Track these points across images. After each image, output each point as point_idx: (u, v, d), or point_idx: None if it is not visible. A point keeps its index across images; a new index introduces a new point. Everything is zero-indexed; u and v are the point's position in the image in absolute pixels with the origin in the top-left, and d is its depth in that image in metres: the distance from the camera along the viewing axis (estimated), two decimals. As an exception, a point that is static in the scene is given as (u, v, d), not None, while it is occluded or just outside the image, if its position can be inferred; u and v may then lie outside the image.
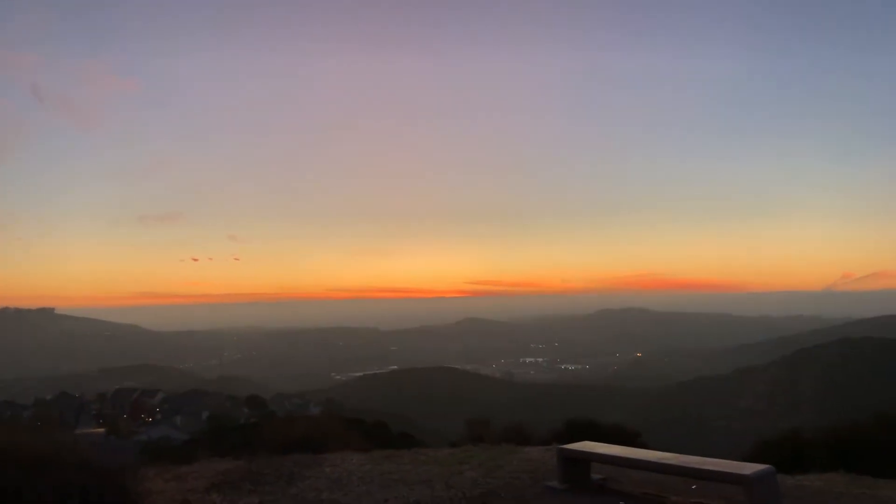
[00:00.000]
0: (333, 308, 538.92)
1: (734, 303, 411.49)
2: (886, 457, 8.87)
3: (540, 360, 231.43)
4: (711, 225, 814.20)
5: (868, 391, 75.60)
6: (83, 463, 5.36)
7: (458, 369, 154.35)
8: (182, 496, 6.87)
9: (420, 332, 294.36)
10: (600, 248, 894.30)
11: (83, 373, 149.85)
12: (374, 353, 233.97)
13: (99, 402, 79.28)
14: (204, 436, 26.23)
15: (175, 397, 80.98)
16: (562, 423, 14.06)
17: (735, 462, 6.34)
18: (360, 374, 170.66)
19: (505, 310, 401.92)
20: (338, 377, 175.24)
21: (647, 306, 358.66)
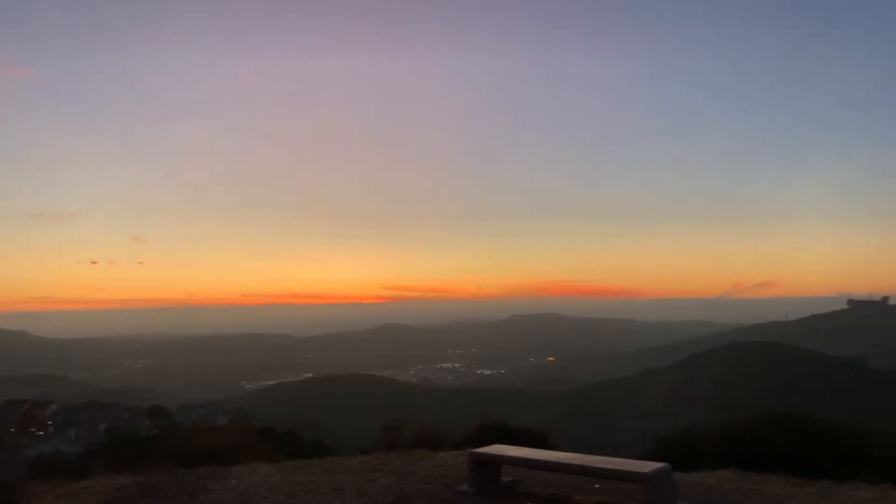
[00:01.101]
0: (244, 314, 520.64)
1: (639, 309, 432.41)
2: (772, 453, 9.60)
3: (457, 365, 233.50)
4: (620, 234, 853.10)
5: (756, 391, 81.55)
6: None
7: (375, 376, 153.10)
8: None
9: (335, 338, 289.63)
10: (515, 255, 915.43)
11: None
12: (288, 361, 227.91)
13: (-18, 415, 72.57)
14: (100, 449, 24.57)
15: (69, 409, 75.50)
16: (476, 427, 14.25)
17: (635, 461, 6.65)
18: (273, 382, 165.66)
19: (422, 316, 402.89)
20: (248, 386, 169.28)
21: (559, 312, 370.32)
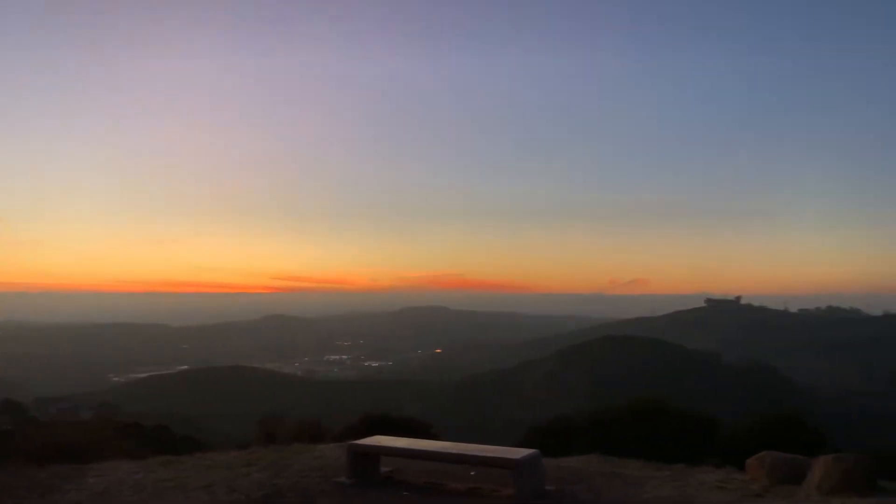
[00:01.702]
0: (115, 302, 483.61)
1: (523, 303, 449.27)
2: (633, 439, 10.39)
3: (344, 357, 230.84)
4: (508, 230, 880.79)
5: (625, 382, 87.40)
6: None
7: (257, 368, 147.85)
8: None
9: (217, 329, 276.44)
10: (407, 248, 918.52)
11: None
12: (162, 352, 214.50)
13: None
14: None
15: None
16: (359, 419, 14.20)
17: (509, 448, 6.96)
18: (144, 375, 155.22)
19: (312, 307, 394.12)
20: (116, 379, 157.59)
21: (447, 304, 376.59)
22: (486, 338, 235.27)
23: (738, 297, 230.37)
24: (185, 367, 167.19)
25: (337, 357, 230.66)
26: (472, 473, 7.28)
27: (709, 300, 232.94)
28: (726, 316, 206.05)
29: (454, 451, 6.69)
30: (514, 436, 15.85)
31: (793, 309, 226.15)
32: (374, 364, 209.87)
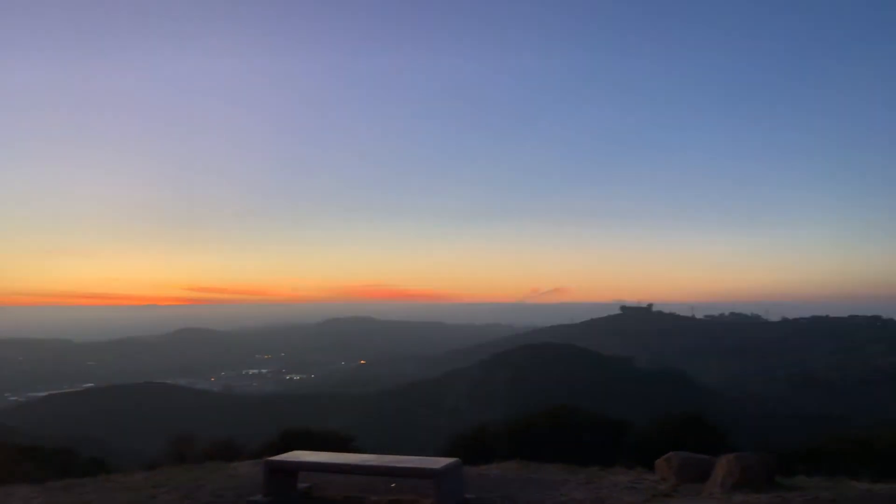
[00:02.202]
0: (9, 316, 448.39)
1: (447, 312, 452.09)
2: (551, 444, 10.66)
3: (264, 370, 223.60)
4: (432, 239, 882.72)
5: (545, 389, 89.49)
6: None
7: (169, 385, 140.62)
8: None
9: (126, 343, 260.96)
10: (331, 258, 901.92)
11: None
12: (65, 370, 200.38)
13: None
14: None
15: None
16: (278, 435, 13.81)
17: (429, 458, 6.96)
18: (44, 393, 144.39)
19: (228, 319, 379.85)
20: (13, 398, 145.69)
21: (372, 315, 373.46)
22: (411, 348, 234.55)
23: (650, 305, 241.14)
24: (91, 384, 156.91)
25: (256, 371, 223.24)
26: (393, 486, 7.24)
27: (623, 307, 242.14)
28: (639, 322, 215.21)
29: (375, 464, 6.63)
30: (437, 446, 15.88)
31: (699, 315, 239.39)
32: (297, 377, 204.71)
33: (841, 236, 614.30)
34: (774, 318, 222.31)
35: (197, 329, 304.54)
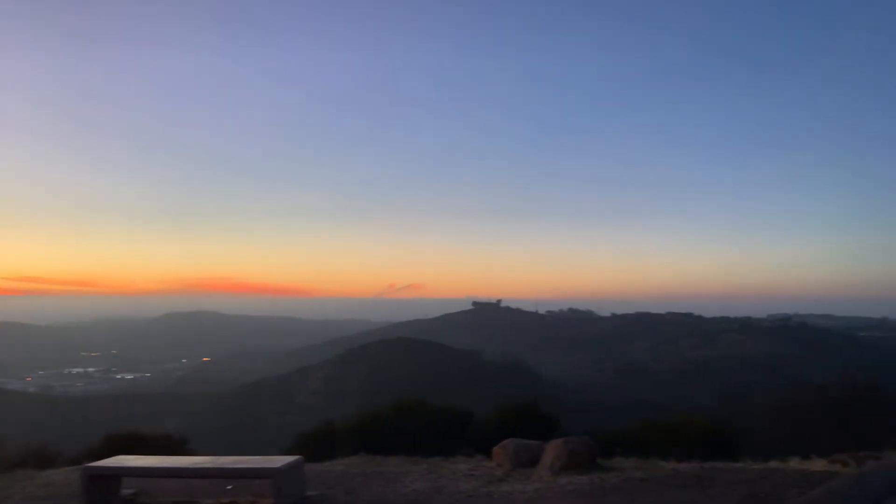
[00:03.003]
0: None
1: (300, 307, 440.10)
2: (396, 437, 10.83)
3: (91, 369, 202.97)
4: (283, 231, 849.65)
5: (398, 384, 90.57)
6: None
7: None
8: None
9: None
10: (171, 248, 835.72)
11: None
12: None
13: None
14: None
15: None
16: (102, 439, 12.66)
17: (269, 457, 6.78)
18: None
19: (50, 313, 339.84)
20: None
21: (218, 310, 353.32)
22: (260, 344, 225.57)
23: (499, 300, 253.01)
24: None
25: (82, 370, 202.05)
26: (230, 487, 6.95)
27: (475, 303, 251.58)
28: (489, 317, 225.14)
29: (209, 466, 6.32)
30: (286, 445, 15.51)
31: (542, 311, 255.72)
32: (129, 376, 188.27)
33: (660, 242, 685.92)
34: (605, 314, 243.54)
35: (10, 323, 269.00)
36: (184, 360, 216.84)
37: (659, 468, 7.68)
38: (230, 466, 6.28)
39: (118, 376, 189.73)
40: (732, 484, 5.94)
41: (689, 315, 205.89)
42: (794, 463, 7.97)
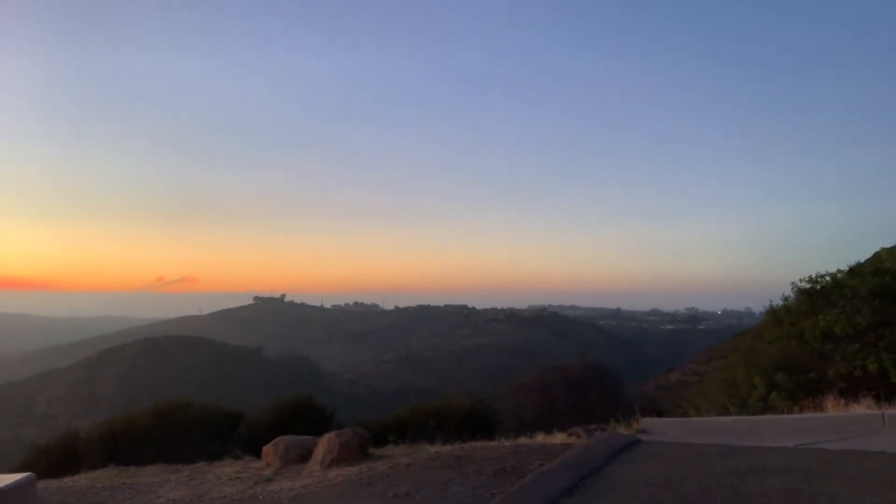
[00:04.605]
0: None
1: (40, 302, 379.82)
2: (155, 444, 9.92)
3: None
4: (19, 212, 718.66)
5: (163, 386, 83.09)
6: None
7: None
8: None
9: None
10: None
11: None
12: None
13: None
14: None
15: None
16: None
17: (-8, 477, 5.77)
18: None
19: None
20: None
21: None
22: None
23: (283, 296, 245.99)
24: None
25: None
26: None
27: (257, 298, 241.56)
28: (272, 313, 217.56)
29: None
30: (16, 460, 13.33)
31: (327, 305, 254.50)
32: None
33: (440, 240, 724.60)
34: (389, 307, 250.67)
35: None
36: None
37: (424, 452, 8.12)
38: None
39: None
40: (486, 461, 6.51)
41: (463, 307, 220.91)
42: (540, 438, 9.00)
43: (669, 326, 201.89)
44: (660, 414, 10.81)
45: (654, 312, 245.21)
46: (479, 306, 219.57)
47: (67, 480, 7.81)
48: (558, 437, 8.97)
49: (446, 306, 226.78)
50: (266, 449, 8.37)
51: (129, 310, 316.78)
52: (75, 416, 73.53)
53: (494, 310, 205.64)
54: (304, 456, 8.16)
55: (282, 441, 8.37)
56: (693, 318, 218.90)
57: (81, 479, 7.83)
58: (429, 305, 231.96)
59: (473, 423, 11.54)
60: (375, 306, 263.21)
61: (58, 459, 9.52)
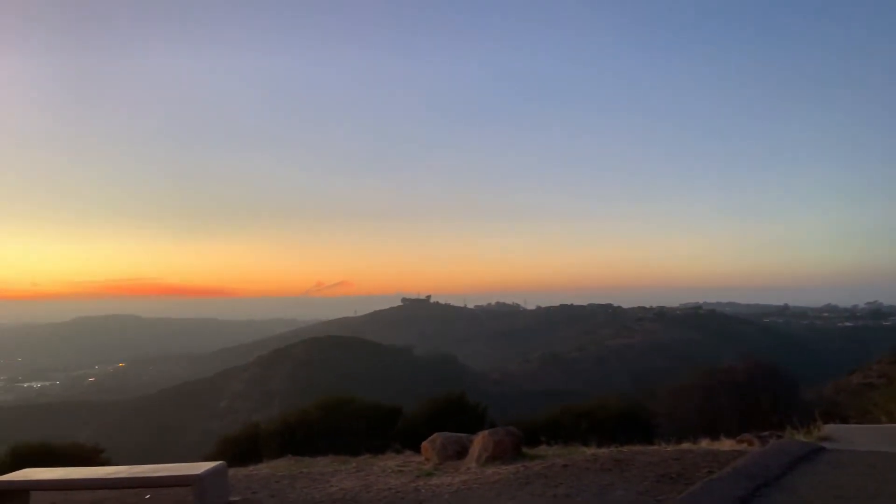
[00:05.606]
0: None
1: (223, 308, 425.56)
2: (324, 436, 10.72)
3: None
4: (205, 232, 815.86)
5: (326, 383, 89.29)
6: None
7: None
8: None
9: None
10: (81, 250, 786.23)
11: None
12: None
13: None
14: None
15: None
16: (6, 452, 11.87)
17: (189, 464, 6.54)
18: None
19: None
20: None
21: (134, 313, 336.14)
22: (179, 347, 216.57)
23: (429, 296, 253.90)
24: None
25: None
26: (148, 497, 6.69)
27: (404, 299, 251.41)
28: (419, 313, 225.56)
29: (124, 476, 6.03)
30: (208, 450, 15.02)
31: (470, 305, 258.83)
32: (37, 385, 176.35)
33: (582, 238, 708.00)
34: (531, 306, 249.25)
35: None
36: (96, 367, 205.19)
37: (580, 453, 7.98)
38: (147, 475, 6.03)
39: (25, 385, 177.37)
40: (647, 466, 6.26)
41: (608, 306, 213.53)
42: (705, 444, 8.47)
43: (847, 323, 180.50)
44: (844, 420, 9.71)
45: (828, 308, 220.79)
46: (624, 305, 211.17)
47: (252, 469, 8.66)
48: (726, 444, 8.37)
49: (590, 305, 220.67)
50: (424, 444, 8.71)
51: (296, 312, 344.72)
52: (252, 410, 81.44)
53: (642, 308, 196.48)
54: (460, 452, 8.38)
55: (438, 437, 8.66)
56: (876, 313, 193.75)
57: (263, 468, 8.65)
58: (571, 305, 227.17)
59: (628, 426, 11.12)
60: (517, 306, 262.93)
61: (242, 449, 10.56)
